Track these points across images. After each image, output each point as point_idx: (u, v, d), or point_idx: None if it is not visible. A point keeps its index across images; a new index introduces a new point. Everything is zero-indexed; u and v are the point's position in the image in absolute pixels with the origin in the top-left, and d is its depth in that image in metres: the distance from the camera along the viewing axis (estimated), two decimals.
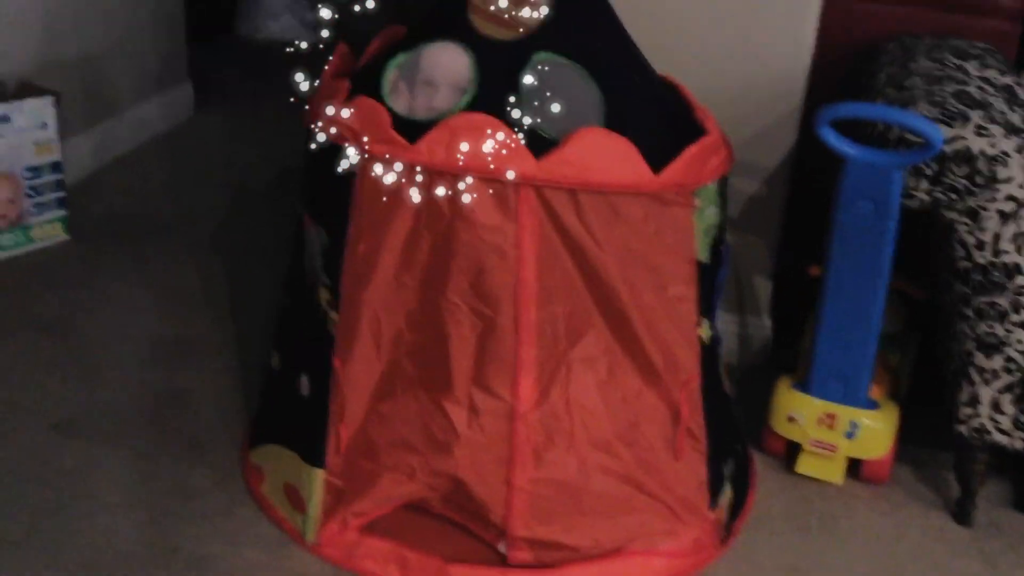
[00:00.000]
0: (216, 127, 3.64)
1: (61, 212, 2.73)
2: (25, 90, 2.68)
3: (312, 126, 1.69)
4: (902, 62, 1.99)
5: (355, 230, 1.66)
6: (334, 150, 1.65)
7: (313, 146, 1.68)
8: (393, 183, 1.58)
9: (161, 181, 3.18)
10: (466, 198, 1.57)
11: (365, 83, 1.70)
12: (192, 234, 2.84)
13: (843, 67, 2.25)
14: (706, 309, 1.78)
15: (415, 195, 1.57)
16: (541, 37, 1.65)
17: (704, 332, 1.78)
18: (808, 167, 2.27)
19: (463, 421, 1.68)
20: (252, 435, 2.01)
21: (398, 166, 1.57)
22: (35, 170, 2.65)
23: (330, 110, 1.62)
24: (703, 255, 1.74)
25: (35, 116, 2.60)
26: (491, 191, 1.57)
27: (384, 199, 1.61)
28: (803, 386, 2.03)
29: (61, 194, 2.72)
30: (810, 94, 2.21)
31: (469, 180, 1.56)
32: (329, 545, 1.79)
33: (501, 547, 1.74)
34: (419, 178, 1.58)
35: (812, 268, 2.18)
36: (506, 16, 1.65)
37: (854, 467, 2.08)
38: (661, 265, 1.68)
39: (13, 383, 2.17)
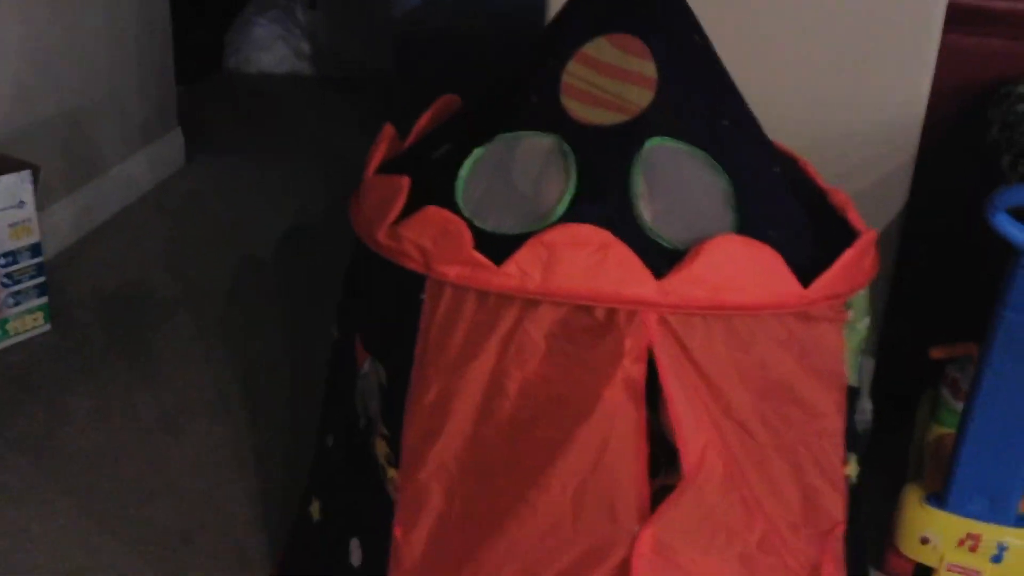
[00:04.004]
0: (211, 178, 3.30)
1: (42, 300, 2.38)
2: None
3: (367, 241, 1.36)
4: None
5: (421, 371, 1.31)
6: (392, 269, 1.32)
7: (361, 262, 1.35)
8: (472, 314, 1.25)
9: (154, 248, 2.83)
10: (568, 330, 1.23)
11: (427, 181, 1.36)
12: (196, 315, 2.49)
13: (954, 115, 1.93)
14: (852, 442, 1.44)
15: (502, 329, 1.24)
16: (653, 119, 1.31)
17: (851, 470, 1.44)
18: (920, 232, 1.95)
19: None
20: None
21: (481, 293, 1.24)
22: (11, 255, 2.30)
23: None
24: (853, 378, 1.40)
25: (10, 195, 2.25)
26: (600, 320, 1.24)
27: (460, 334, 1.27)
28: (939, 500, 1.70)
29: (41, 279, 2.37)
30: (922, 147, 1.89)
31: (571, 308, 1.23)
32: None
33: None
34: (506, 307, 1.24)
35: (935, 350, 1.87)
36: (608, 96, 1.31)
37: None
38: (805, 395, 1.34)
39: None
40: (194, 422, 2.11)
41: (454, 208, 1.29)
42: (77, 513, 1.86)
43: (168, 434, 2.07)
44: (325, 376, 1.59)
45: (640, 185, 1.28)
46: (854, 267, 1.33)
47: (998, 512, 1.67)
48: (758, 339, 1.29)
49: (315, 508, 1.56)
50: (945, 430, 1.85)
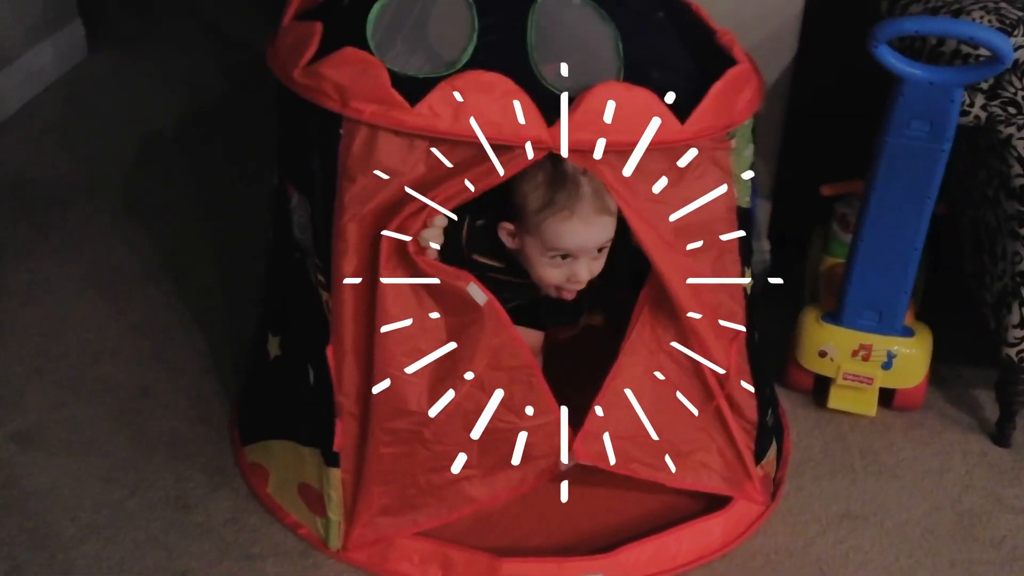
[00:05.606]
0: (114, 68, 3.29)
1: None
2: None
3: (284, 80, 1.46)
4: None
5: (341, 201, 1.43)
6: (309, 108, 1.43)
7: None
8: (390, 150, 1.38)
9: (65, 137, 2.84)
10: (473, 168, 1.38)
11: (339, 26, 1.46)
12: (112, 196, 2.53)
13: None
14: (747, 257, 1.61)
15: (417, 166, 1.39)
16: None
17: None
18: (809, 78, 2.11)
19: None
20: (245, 429, 1.79)
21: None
22: None
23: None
24: (743, 200, 1.56)
25: None
26: (501, 161, 1.37)
27: (373, 168, 1.39)
28: (834, 317, 1.90)
29: None
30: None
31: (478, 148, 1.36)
32: (358, 550, 1.60)
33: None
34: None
35: (825, 188, 2.04)
36: None
37: (884, 395, 1.96)
38: (698, 221, 1.50)
39: None
40: (131, 290, 2.19)
41: (368, 51, 1.40)
42: (32, 376, 1.95)
43: (107, 301, 2.15)
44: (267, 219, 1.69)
45: (535, 37, 1.40)
46: (728, 100, 1.47)
47: (886, 324, 1.88)
48: (648, 175, 1.44)
49: (273, 344, 1.68)
50: (836, 260, 2.04)
